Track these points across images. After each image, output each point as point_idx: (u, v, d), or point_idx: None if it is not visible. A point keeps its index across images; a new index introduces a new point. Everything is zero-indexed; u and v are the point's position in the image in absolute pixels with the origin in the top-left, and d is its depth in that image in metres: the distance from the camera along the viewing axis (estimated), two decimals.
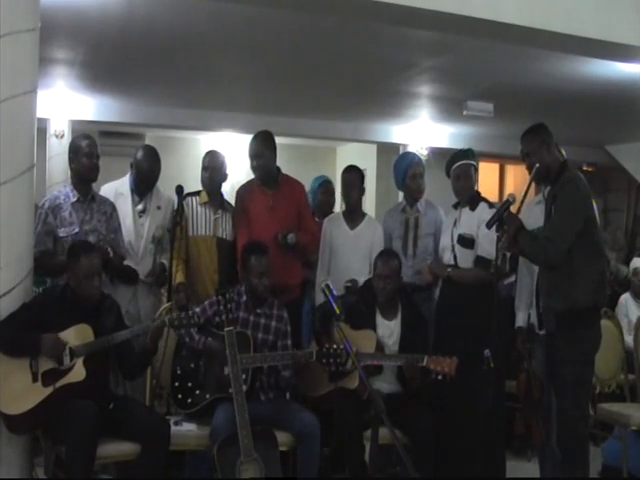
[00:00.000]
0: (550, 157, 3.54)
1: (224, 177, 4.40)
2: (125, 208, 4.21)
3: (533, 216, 3.71)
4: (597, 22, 3.85)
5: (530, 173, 3.53)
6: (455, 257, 4.05)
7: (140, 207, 4.27)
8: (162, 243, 4.26)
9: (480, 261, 3.95)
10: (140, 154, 4.28)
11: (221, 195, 4.42)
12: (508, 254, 4.05)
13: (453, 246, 4.07)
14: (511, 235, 3.40)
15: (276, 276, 3.82)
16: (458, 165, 4.13)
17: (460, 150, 4.29)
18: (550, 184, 3.59)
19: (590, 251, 3.44)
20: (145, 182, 4.26)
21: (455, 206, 4.23)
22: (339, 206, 5.31)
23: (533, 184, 3.57)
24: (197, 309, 3.68)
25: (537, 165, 3.50)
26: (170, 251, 4.02)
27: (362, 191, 4.58)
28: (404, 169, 4.58)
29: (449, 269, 4.05)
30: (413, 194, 4.56)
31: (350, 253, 4.38)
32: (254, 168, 4.24)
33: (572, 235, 3.39)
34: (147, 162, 4.26)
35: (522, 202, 3.51)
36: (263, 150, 4.21)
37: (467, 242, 4.02)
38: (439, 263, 4.17)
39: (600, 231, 3.59)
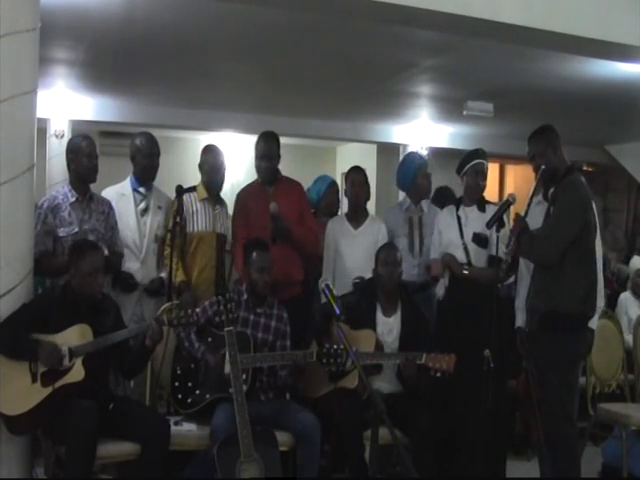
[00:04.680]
0: (557, 159, 3.57)
1: (224, 175, 4.40)
2: (127, 208, 4.22)
3: (533, 216, 3.70)
4: (597, 22, 3.86)
5: (536, 174, 3.55)
6: (467, 255, 4.05)
7: (142, 206, 4.27)
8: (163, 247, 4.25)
9: (495, 260, 3.91)
10: (138, 139, 4.29)
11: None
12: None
13: (464, 244, 4.06)
14: (515, 235, 3.44)
15: (277, 270, 3.84)
16: (478, 162, 4.12)
17: (479, 149, 4.27)
18: (554, 185, 3.60)
19: (582, 258, 3.47)
20: (147, 168, 4.25)
21: (457, 204, 4.21)
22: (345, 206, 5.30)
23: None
24: (197, 309, 3.68)
25: (543, 167, 3.52)
26: (170, 249, 4.02)
27: (369, 191, 4.61)
28: (415, 168, 4.63)
29: (465, 267, 4.04)
30: (423, 193, 4.58)
31: (354, 252, 4.40)
32: (262, 168, 4.24)
33: (569, 236, 3.41)
34: (147, 145, 4.26)
35: (529, 204, 3.53)
36: (272, 151, 4.24)
37: (482, 241, 4.02)
38: (455, 259, 4.10)
39: (594, 241, 3.56)
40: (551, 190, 3.63)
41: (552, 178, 3.57)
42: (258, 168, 4.26)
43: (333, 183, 5.19)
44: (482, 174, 4.13)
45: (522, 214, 3.59)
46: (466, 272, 4.02)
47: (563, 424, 3.46)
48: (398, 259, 3.95)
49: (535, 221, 3.62)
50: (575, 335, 3.50)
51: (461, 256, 4.07)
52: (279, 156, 4.27)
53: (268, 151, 4.22)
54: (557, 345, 3.44)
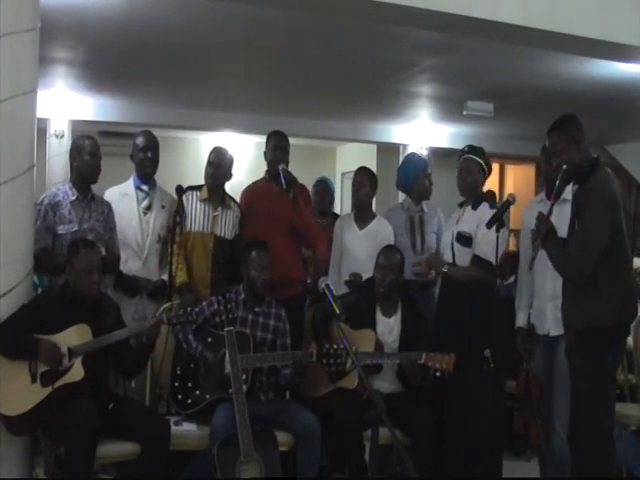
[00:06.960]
0: (579, 154, 3.25)
1: (228, 175, 4.35)
2: (130, 207, 4.19)
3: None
4: (597, 22, 3.86)
5: (556, 173, 3.30)
6: (453, 255, 4.03)
7: (145, 204, 4.24)
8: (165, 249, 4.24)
9: (476, 260, 3.90)
10: (139, 138, 4.28)
11: (223, 192, 4.35)
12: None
13: (452, 244, 4.05)
14: (541, 236, 3.24)
15: (278, 269, 3.83)
16: (462, 159, 4.07)
17: (465, 146, 4.18)
18: (578, 182, 3.29)
19: (615, 267, 3.18)
20: (144, 161, 4.22)
21: (460, 205, 4.22)
22: (338, 208, 5.30)
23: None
24: (195, 309, 3.67)
25: (564, 167, 3.24)
26: (170, 250, 4.00)
27: (372, 192, 4.60)
28: (421, 169, 4.63)
29: (446, 266, 4.02)
30: (424, 194, 4.60)
31: (360, 253, 4.39)
32: (277, 158, 4.20)
33: (597, 250, 3.13)
34: (142, 139, 4.25)
35: (552, 204, 3.33)
36: (285, 144, 4.26)
37: (465, 240, 3.95)
38: (438, 258, 4.13)
39: (625, 243, 3.24)
40: (575, 187, 3.36)
41: (575, 174, 3.27)
42: (272, 160, 4.23)
43: (318, 182, 5.22)
44: (465, 170, 4.03)
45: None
46: (445, 270, 3.98)
47: (598, 440, 3.24)
48: (397, 263, 3.90)
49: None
50: (613, 347, 3.28)
51: (449, 256, 4.05)
52: (288, 153, 4.28)
53: (283, 144, 4.24)
54: (594, 359, 3.21)
